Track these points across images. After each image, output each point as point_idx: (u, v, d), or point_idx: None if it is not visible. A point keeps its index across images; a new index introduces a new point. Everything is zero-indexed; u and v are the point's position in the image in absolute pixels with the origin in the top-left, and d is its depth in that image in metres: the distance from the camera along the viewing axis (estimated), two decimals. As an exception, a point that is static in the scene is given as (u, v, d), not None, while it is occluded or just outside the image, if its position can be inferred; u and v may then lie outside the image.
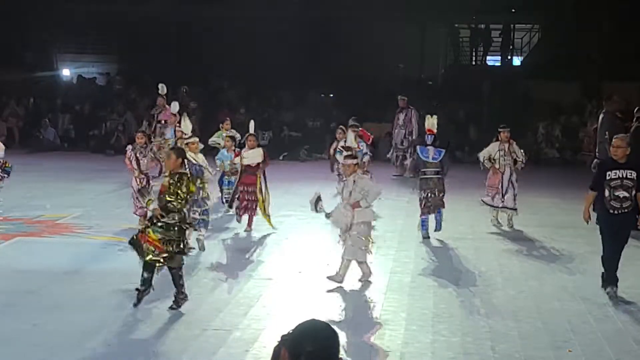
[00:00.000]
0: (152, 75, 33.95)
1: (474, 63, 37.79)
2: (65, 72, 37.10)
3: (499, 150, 17.53)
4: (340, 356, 4.46)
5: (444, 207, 16.68)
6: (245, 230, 16.67)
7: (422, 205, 16.57)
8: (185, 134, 15.83)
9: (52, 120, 31.47)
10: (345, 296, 12.67)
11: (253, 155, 16.73)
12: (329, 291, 12.75)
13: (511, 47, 37.60)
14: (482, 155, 17.76)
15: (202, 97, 32.49)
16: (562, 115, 31.11)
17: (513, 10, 36.27)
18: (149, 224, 11.68)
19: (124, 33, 35.68)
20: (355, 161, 13.40)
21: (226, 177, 18.10)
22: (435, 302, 12.52)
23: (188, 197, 11.76)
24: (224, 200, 18.31)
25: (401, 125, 25.52)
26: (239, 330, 11.02)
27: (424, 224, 16.74)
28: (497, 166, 17.48)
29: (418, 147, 16.98)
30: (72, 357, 10.06)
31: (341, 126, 20.02)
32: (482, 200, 18.07)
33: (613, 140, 12.81)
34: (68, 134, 32.14)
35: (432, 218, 16.78)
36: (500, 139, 17.62)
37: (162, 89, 22.75)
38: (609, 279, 12.87)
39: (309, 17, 35.45)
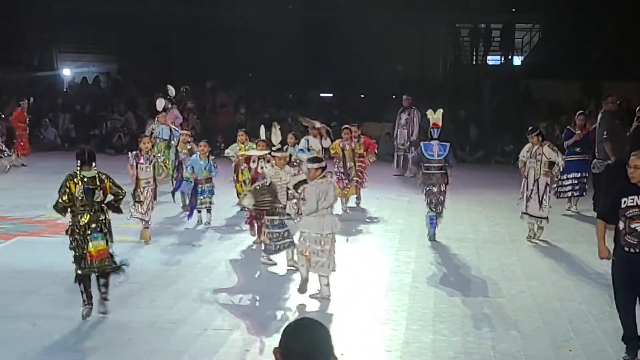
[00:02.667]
0: (152, 74, 34.02)
1: (474, 63, 37.78)
2: (66, 72, 37.09)
3: (527, 151, 16.39)
4: (334, 354, 4.44)
5: (444, 207, 16.48)
6: (254, 242, 15.76)
7: (426, 202, 16.40)
8: (274, 145, 14.52)
9: (52, 120, 31.47)
10: (346, 296, 12.66)
11: (256, 152, 15.60)
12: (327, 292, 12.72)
13: (512, 46, 37.58)
14: (520, 156, 16.66)
15: (202, 97, 32.51)
16: (562, 115, 31.08)
17: (514, 10, 36.25)
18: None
19: (124, 33, 35.67)
20: (317, 165, 12.52)
21: (200, 185, 17.14)
22: (436, 301, 12.52)
23: (69, 196, 11.20)
24: (198, 211, 17.27)
25: (403, 125, 25.47)
26: (240, 330, 11.03)
27: (432, 221, 16.51)
28: (524, 170, 16.37)
29: (422, 144, 16.38)
30: (71, 357, 10.08)
31: (346, 126, 19.68)
32: (522, 212, 16.58)
33: (631, 158, 10.26)
34: (69, 134, 32.13)
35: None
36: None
37: (170, 90, 22.56)
38: (627, 339, 10.37)
39: (309, 17, 35.45)
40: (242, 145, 17.94)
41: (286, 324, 4.55)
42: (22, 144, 25.81)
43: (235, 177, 17.78)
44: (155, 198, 15.83)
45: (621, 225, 10.02)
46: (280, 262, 14.40)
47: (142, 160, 15.47)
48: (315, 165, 12.53)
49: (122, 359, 10.08)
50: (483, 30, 37.12)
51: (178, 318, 11.45)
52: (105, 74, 36.42)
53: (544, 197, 16.27)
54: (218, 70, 34.21)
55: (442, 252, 15.75)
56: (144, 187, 15.41)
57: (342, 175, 18.90)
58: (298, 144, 18.52)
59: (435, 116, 16.38)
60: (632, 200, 10.01)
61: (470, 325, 11.50)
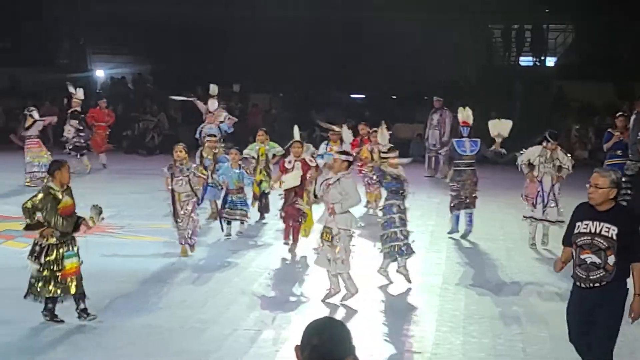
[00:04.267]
0: (183, 75, 34.12)
1: (507, 64, 37.62)
2: (99, 73, 37.31)
3: (539, 156, 15.87)
4: (354, 354, 4.46)
5: (474, 206, 16.52)
6: (285, 243, 15.49)
7: (452, 199, 16.39)
8: (382, 145, 13.92)
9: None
10: (376, 297, 12.67)
11: (292, 179, 14.94)
12: (360, 292, 12.69)
13: (544, 47, 37.37)
14: (521, 158, 16.12)
15: (230, 100, 32.53)
16: (595, 116, 30.94)
17: (547, 11, 36.08)
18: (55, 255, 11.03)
19: (156, 34, 35.77)
20: (345, 158, 12.21)
21: (230, 195, 16.38)
22: (466, 303, 12.49)
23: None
24: (227, 222, 16.49)
25: (435, 126, 25.47)
26: (270, 330, 11.06)
27: (457, 218, 16.59)
28: (535, 173, 15.92)
29: (454, 141, 16.54)
30: (100, 357, 10.14)
31: (375, 130, 19.50)
32: (524, 216, 16.23)
33: (592, 175, 8.56)
34: (101, 135, 32.26)
35: (461, 219, 16.71)
36: (545, 145, 15.93)
37: (213, 89, 22.17)
38: None
39: (341, 18, 35.40)
40: (262, 145, 17.56)
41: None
42: (98, 141, 25.88)
43: (255, 179, 17.37)
44: (194, 207, 14.83)
45: (573, 254, 8.62)
46: (309, 264, 14.44)
47: (177, 173, 14.46)
48: (343, 157, 12.24)
49: (150, 359, 10.13)
50: (516, 30, 36.96)
51: (208, 318, 11.49)
52: (137, 74, 36.60)
53: (558, 203, 15.88)
54: (251, 71, 34.24)
55: (473, 253, 15.73)
56: (184, 201, 14.49)
57: (373, 179, 18.80)
58: (267, 141, 17.82)
59: (465, 114, 16.47)
60: (585, 226, 8.45)
61: (500, 326, 11.47)
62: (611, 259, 8.30)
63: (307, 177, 15.04)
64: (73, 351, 10.24)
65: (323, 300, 12.34)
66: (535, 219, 16.02)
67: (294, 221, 15.32)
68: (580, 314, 8.67)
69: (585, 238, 8.41)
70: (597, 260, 8.34)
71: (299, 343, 4.50)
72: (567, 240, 8.79)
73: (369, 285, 12.98)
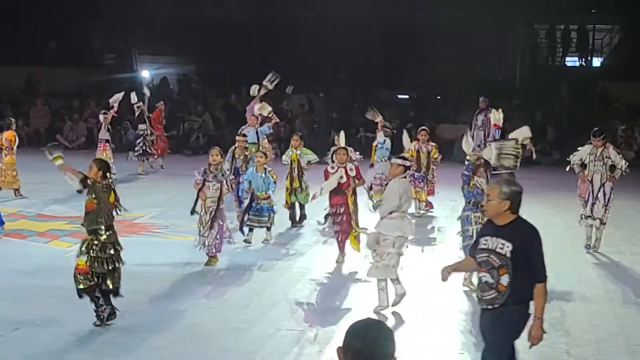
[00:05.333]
0: (229, 76, 34.21)
1: (552, 64, 37.39)
2: (145, 74, 37.51)
3: (590, 154, 15.76)
4: (394, 356, 4.47)
5: None
6: (337, 260, 14.75)
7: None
8: (469, 155, 13.76)
9: (132, 121, 31.82)
10: (424, 300, 12.62)
11: (330, 183, 14.36)
12: (407, 298, 12.67)
13: (590, 47, 37.08)
14: (574, 158, 16.07)
15: (280, 102, 32.57)
16: (642, 117, 30.69)
17: (593, 11, 35.80)
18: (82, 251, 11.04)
19: (202, 34, 35.92)
20: (401, 162, 12.10)
21: (257, 201, 15.79)
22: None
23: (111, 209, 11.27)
24: (249, 229, 15.86)
25: (479, 127, 25.39)
26: (313, 331, 11.07)
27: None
28: (585, 172, 15.78)
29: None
30: (141, 356, 10.23)
31: (423, 128, 19.52)
32: (581, 218, 16.10)
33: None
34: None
35: None
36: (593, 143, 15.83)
37: (253, 90, 21.94)
38: None
39: (386, 18, 35.36)
40: (295, 151, 17.08)
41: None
42: (161, 144, 26.12)
43: (287, 186, 17.05)
44: (216, 215, 14.17)
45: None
46: (355, 267, 14.43)
47: (210, 178, 14.07)
48: (399, 161, 12.13)
49: (193, 358, 10.20)
50: (562, 30, 36.73)
51: (250, 318, 11.53)
52: (183, 75, 36.77)
53: (610, 201, 15.74)
54: (295, 72, 34.25)
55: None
56: (209, 207, 14.06)
57: (416, 178, 18.79)
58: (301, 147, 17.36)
59: (497, 117, 16.22)
60: (485, 242, 7.72)
61: (545, 328, 11.38)
62: (504, 279, 7.55)
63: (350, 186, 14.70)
64: (115, 350, 10.32)
65: (375, 312, 12.04)
66: (586, 216, 15.93)
67: (344, 233, 14.76)
68: (483, 337, 8.10)
69: (482, 255, 7.70)
70: (489, 279, 7.63)
71: (341, 344, 4.51)
72: (471, 251, 8.20)
73: (416, 290, 12.94)
